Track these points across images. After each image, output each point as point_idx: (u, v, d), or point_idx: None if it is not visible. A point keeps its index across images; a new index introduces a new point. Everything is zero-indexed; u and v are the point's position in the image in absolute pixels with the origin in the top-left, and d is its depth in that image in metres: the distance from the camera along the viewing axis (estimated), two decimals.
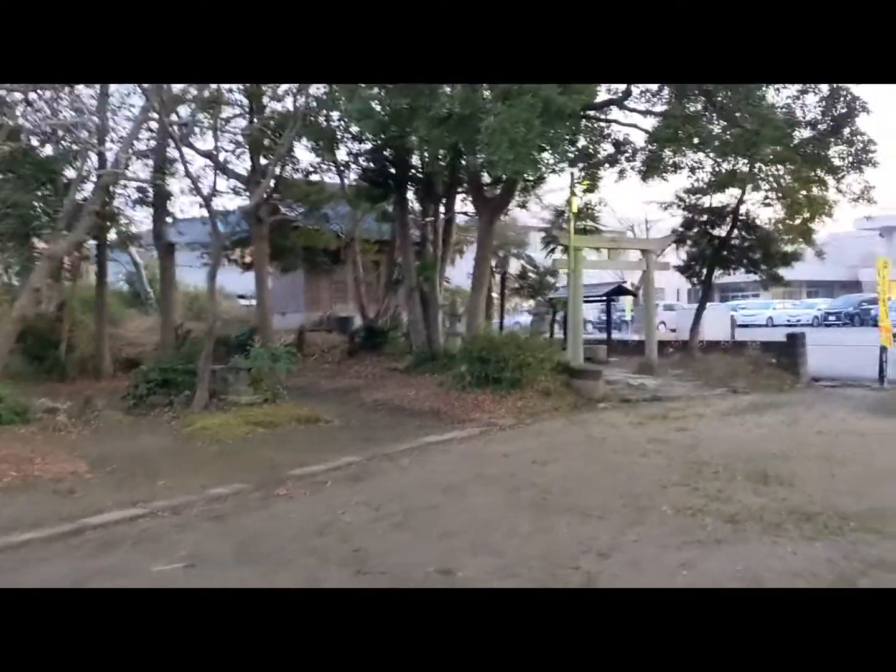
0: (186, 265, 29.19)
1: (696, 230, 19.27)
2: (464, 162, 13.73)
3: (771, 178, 17.33)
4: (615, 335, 32.59)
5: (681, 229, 19.22)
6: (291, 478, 8.07)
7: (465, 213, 19.08)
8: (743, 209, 18.78)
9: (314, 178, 21.40)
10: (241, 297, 35.42)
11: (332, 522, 6.42)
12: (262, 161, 20.70)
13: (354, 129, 15.93)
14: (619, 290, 21.60)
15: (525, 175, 11.66)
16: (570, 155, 12.25)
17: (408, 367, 17.51)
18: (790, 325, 36.93)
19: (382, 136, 14.52)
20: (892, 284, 17.36)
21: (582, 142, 16.22)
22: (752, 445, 9.54)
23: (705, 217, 19.04)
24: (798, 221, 16.99)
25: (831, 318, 39.05)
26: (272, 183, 20.85)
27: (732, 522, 6.12)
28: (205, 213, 24.70)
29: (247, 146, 18.88)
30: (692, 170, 16.79)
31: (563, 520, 6.30)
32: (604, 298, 21.63)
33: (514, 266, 27.76)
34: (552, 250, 21.64)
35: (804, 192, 15.90)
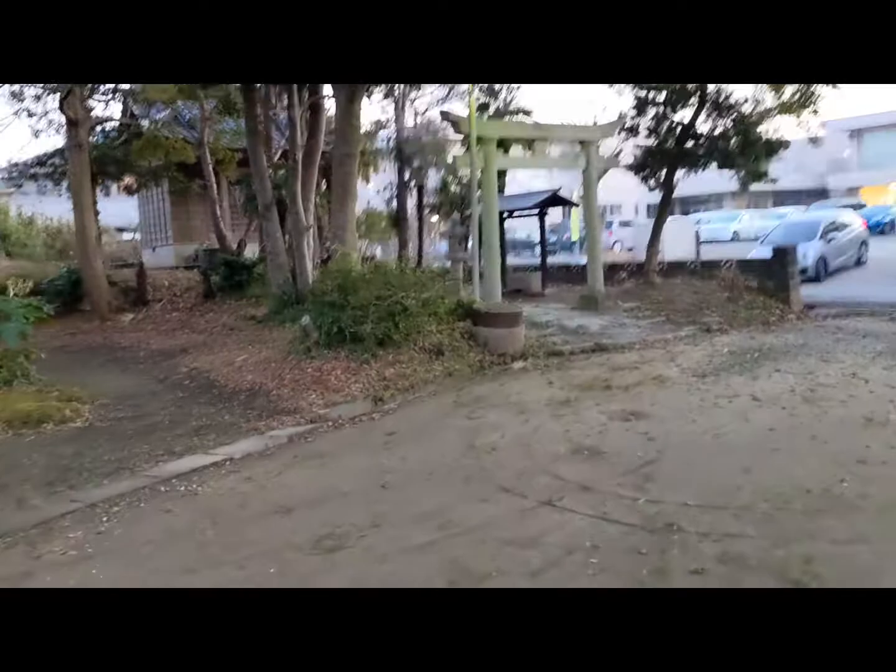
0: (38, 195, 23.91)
1: (652, 115, 14.49)
2: None
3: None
4: (561, 259, 28.06)
5: (632, 113, 14.40)
6: None
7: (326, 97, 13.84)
8: (712, 84, 14.00)
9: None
10: (121, 230, 30.15)
11: None
12: None
13: None
14: (555, 200, 16.88)
15: None
16: None
17: (267, 315, 12.85)
18: (758, 240, 32.51)
19: None
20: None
21: None
22: (761, 461, 5.08)
23: (664, 96, 14.23)
24: (792, 92, 12.21)
25: None
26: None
27: None
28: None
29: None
30: None
31: None
32: (536, 212, 16.86)
33: (435, 179, 22.90)
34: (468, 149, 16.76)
35: None
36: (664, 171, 14.88)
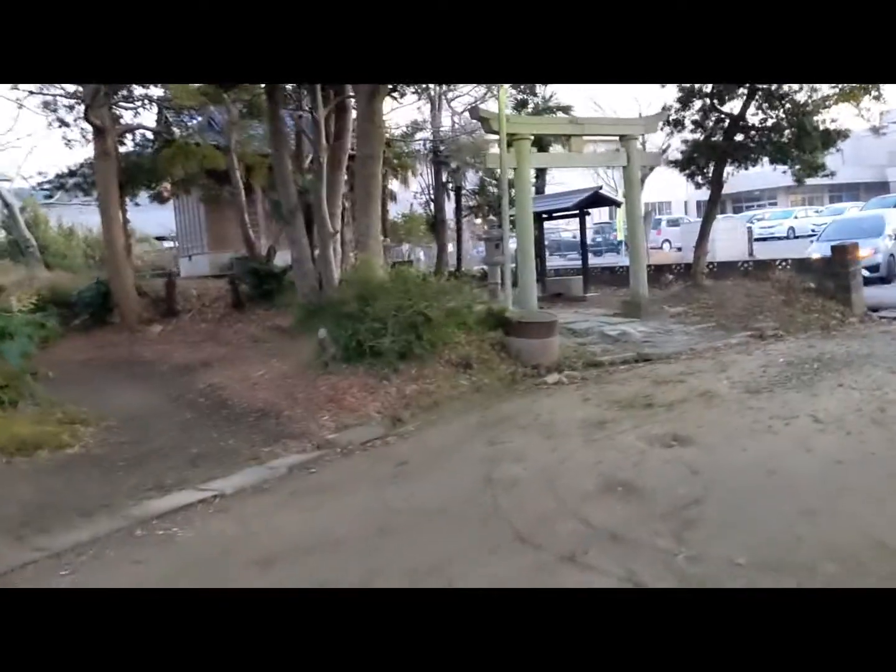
0: (78, 204, 23.86)
1: (698, 107, 13.60)
2: None
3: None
4: (607, 260, 27.14)
5: (677, 106, 13.53)
6: None
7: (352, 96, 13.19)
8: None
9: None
10: (161, 238, 30.12)
11: None
12: None
13: None
14: (597, 199, 16.06)
15: None
16: None
17: (293, 326, 12.36)
18: (815, 236, 31.01)
19: None
20: None
21: None
22: (826, 503, 4.30)
23: (710, 87, 13.35)
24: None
25: None
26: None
27: None
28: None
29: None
30: None
31: None
32: (576, 212, 16.05)
33: (473, 181, 22.30)
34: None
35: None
36: (712, 167, 13.97)
